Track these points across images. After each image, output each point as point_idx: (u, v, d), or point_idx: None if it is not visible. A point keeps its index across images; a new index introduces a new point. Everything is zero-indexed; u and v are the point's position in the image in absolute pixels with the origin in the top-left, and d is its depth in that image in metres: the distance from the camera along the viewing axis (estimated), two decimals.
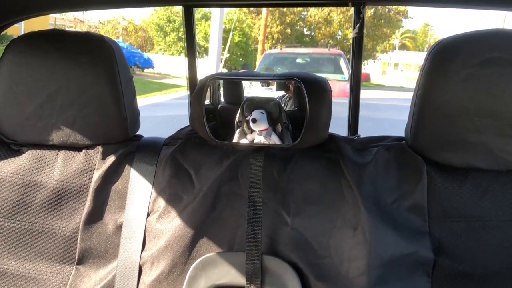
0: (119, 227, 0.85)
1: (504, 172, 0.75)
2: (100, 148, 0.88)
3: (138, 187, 0.86)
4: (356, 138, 0.88)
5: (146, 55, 17.24)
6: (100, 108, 0.85)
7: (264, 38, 16.91)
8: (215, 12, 8.39)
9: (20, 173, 0.87)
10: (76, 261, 0.85)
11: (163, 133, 0.97)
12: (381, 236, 0.74)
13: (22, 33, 0.88)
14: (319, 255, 0.77)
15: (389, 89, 15.56)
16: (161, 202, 0.84)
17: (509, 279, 0.72)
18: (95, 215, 0.85)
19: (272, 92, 0.90)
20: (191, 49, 1.43)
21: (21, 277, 0.85)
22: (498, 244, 0.73)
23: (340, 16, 21.84)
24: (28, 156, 0.89)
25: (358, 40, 1.31)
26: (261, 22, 17.34)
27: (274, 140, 0.85)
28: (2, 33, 1.10)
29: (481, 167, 0.74)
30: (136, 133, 0.95)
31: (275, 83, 0.90)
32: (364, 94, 1.46)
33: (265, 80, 0.92)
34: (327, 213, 0.78)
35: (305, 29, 23.63)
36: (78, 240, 0.85)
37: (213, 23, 8.40)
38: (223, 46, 9.03)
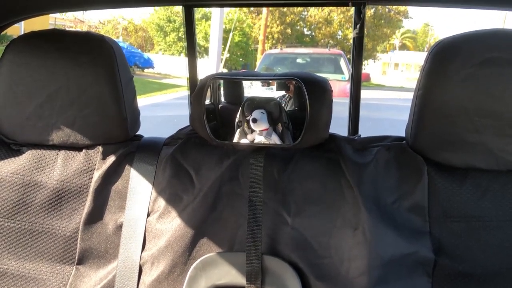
0: (119, 227, 0.85)
1: (504, 172, 0.75)
2: (100, 148, 0.88)
3: (138, 187, 0.86)
4: (356, 138, 0.88)
5: (146, 55, 17.24)
6: (100, 108, 0.85)
7: (264, 38, 16.92)
8: (215, 12, 8.40)
9: (20, 173, 0.87)
10: (76, 261, 0.85)
11: (163, 133, 0.97)
12: (381, 236, 0.74)
13: (22, 33, 0.88)
14: (319, 255, 0.77)
15: (389, 89, 15.56)
16: (161, 202, 0.84)
17: (509, 279, 0.72)
18: (95, 215, 0.85)
19: (273, 92, 0.90)
20: (191, 49, 1.43)
21: (21, 277, 0.85)
22: (498, 244, 0.73)
23: (340, 16, 21.85)
24: (28, 156, 0.89)
25: (359, 40, 1.31)
26: (261, 22, 17.35)
27: (275, 140, 0.85)
28: (2, 33, 1.10)
29: (481, 167, 0.74)
30: (136, 133, 0.95)
31: (275, 83, 0.90)
32: (364, 94, 1.46)
33: (266, 80, 0.92)
34: (327, 213, 0.78)
35: (305, 29, 23.63)
36: (78, 240, 0.85)
37: (213, 23, 8.41)
38: (223, 46, 9.03)
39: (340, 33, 22.74)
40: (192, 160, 0.85)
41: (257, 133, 0.85)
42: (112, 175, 0.87)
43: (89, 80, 0.83)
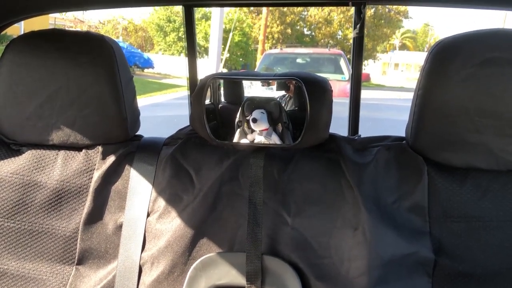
0: (119, 227, 0.85)
1: (504, 172, 0.75)
2: (100, 148, 0.88)
3: (138, 187, 0.86)
4: (356, 138, 0.88)
5: (146, 55, 17.25)
6: (100, 108, 0.85)
7: (264, 38, 16.91)
8: (215, 12, 8.40)
9: (20, 173, 0.87)
10: (76, 261, 0.85)
11: (163, 133, 0.97)
12: (381, 236, 0.73)
13: (22, 33, 0.88)
14: (319, 255, 0.77)
15: (389, 89, 15.56)
16: (161, 202, 0.84)
17: (509, 279, 0.72)
18: (95, 215, 0.85)
19: (273, 92, 0.90)
20: (191, 49, 1.43)
21: (21, 277, 0.85)
22: (498, 244, 0.73)
23: (340, 16, 21.85)
24: (28, 156, 0.89)
25: (359, 40, 1.31)
26: (261, 22, 17.34)
27: (275, 140, 0.85)
28: (2, 33, 1.10)
29: (481, 167, 0.74)
30: (136, 133, 0.95)
31: (275, 83, 0.90)
32: (364, 94, 1.46)
33: (266, 80, 0.92)
34: (327, 213, 0.78)
35: (305, 29, 23.64)
36: (78, 240, 0.85)
37: (213, 23, 8.41)
38: (223, 46, 9.03)
39: (340, 33, 22.75)
40: (192, 160, 0.85)
41: (257, 133, 0.85)
42: (112, 175, 0.87)
43: (89, 80, 0.83)
